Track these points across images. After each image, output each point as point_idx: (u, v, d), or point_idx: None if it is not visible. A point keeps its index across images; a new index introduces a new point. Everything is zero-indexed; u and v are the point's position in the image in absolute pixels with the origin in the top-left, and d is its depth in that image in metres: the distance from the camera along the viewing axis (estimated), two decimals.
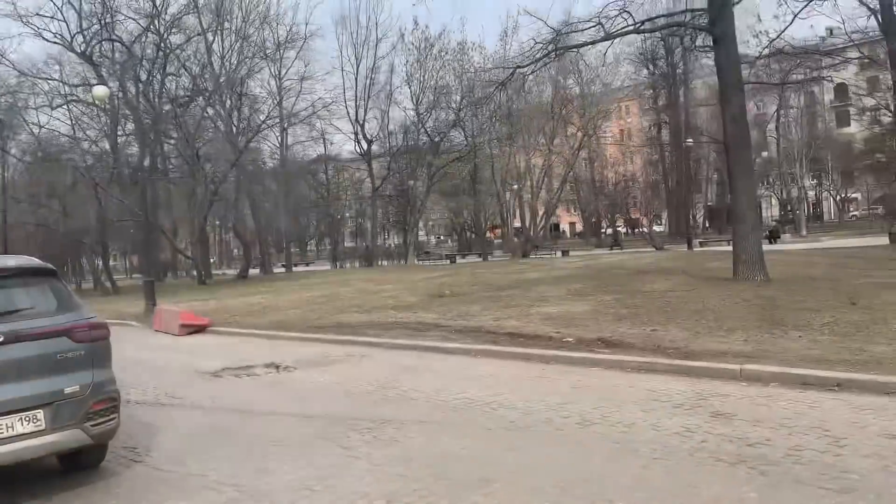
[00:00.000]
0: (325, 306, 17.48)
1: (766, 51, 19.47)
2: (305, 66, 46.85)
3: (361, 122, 45.63)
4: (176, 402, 7.94)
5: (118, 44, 37.70)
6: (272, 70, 43.84)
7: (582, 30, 16.01)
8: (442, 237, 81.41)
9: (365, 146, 46.03)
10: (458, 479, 4.80)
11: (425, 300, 16.65)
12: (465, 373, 8.58)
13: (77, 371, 4.93)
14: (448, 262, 44.54)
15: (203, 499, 4.78)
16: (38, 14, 37.46)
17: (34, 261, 5.47)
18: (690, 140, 47.94)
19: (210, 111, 38.62)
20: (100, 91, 18.12)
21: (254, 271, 42.16)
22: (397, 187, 48.49)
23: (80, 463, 5.42)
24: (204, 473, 5.28)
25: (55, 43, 38.42)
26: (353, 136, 46.46)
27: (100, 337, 5.14)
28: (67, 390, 4.83)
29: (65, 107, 38.39)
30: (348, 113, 45.87)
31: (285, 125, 44.81)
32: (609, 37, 15.85)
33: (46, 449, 4.75)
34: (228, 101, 37.62)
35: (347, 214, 67.43)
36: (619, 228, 67.32)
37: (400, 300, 17.07)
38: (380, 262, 48.58)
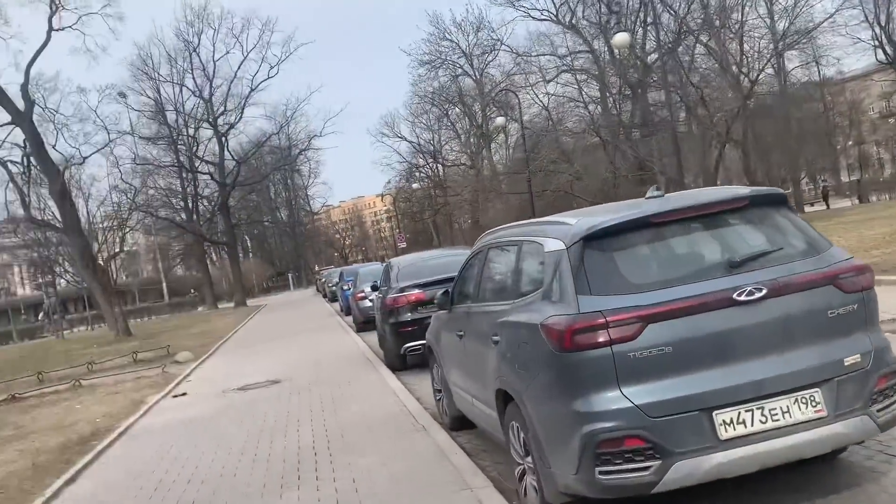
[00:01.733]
0: None
1: None
2: None
3: (883, 23, 37.56)
4: None
5: (603, 4, 38.68)
6: None
7: None
8: None
9: (891, 52, 37.84)
10: None
11: None
12: None
13: (852, 333, 3.52)
14: None
15: None
16: None
17: (763, 188, 4.19)
18: None
19: (701, 49, 36.37)
20: (620, 38, 17.65)
21: None
22: None
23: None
24: None
25: (542, 20, 41.67)
26: (873, 43, 38.58)
27: (867, 285, 3.62)
28: (847, 361, 3.44)
29: (568, 74, 40.85)
30: (866, 16, 38.16)
31: (780, 48, 39.51)
32: None
33: (832, 443, 3.45)
34: (723, 35, 34.69)
35: (849, 143, 58.16)
36: None
37: None
38: None
